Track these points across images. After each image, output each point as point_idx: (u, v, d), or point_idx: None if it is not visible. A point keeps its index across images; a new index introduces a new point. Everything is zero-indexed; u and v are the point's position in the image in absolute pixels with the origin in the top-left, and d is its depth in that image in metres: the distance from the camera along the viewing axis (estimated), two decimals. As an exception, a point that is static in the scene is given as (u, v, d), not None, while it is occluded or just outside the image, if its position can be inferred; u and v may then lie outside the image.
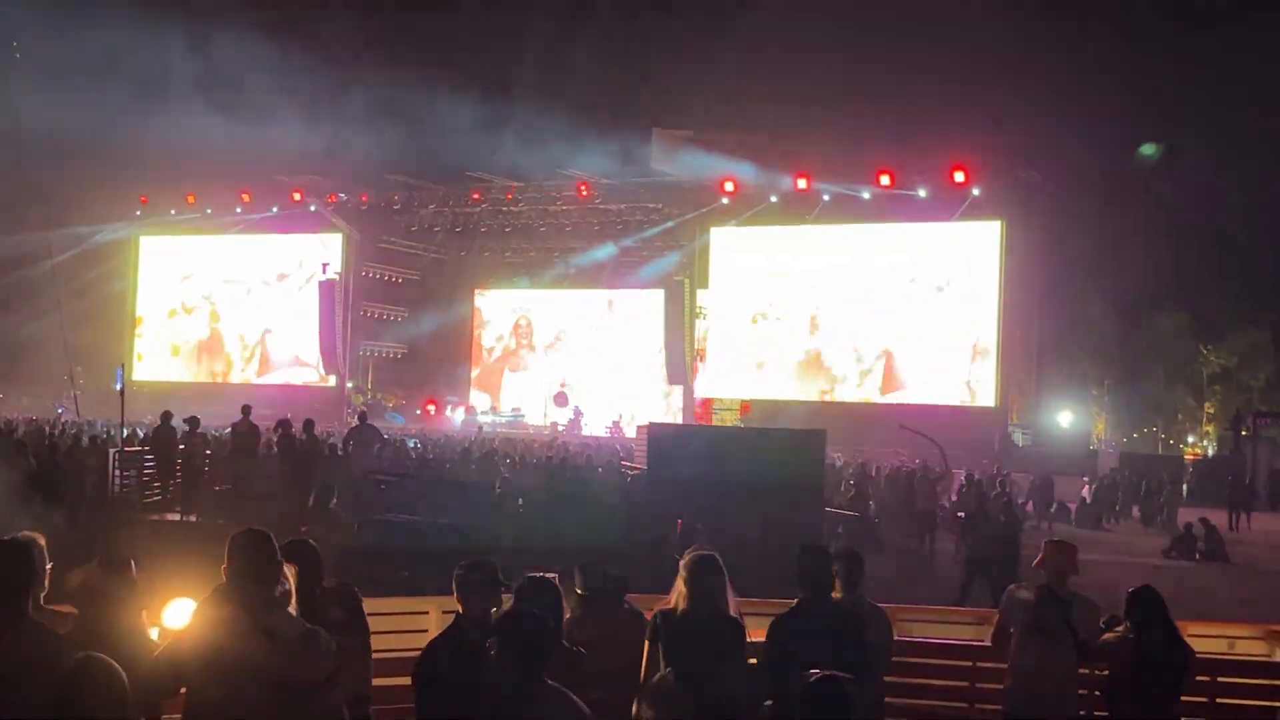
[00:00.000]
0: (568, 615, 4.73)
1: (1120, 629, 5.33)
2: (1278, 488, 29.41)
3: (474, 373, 42.77)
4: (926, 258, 33.28)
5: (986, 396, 32.68)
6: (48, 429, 23.72)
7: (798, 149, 33.13)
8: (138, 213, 42.74)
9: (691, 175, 34.92)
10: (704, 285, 36.78)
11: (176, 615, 4.22)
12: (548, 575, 4.78)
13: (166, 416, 17.22)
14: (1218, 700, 6.29)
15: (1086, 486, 26.57)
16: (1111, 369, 50.22)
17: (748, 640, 4.44)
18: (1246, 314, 48.69)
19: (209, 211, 41.68)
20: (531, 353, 42.09)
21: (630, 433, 31.03)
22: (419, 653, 4.41)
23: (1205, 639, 7.24)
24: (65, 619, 4.03)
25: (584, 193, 36.81)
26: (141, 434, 21.29)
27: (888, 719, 5.89)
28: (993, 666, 5.99)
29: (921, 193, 31.65)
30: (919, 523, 18.15)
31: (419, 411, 40.21)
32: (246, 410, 16.52)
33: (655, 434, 16.12)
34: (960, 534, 16.49)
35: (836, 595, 5.00)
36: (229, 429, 18.08)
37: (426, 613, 6.85)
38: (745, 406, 35.70)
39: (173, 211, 41.94)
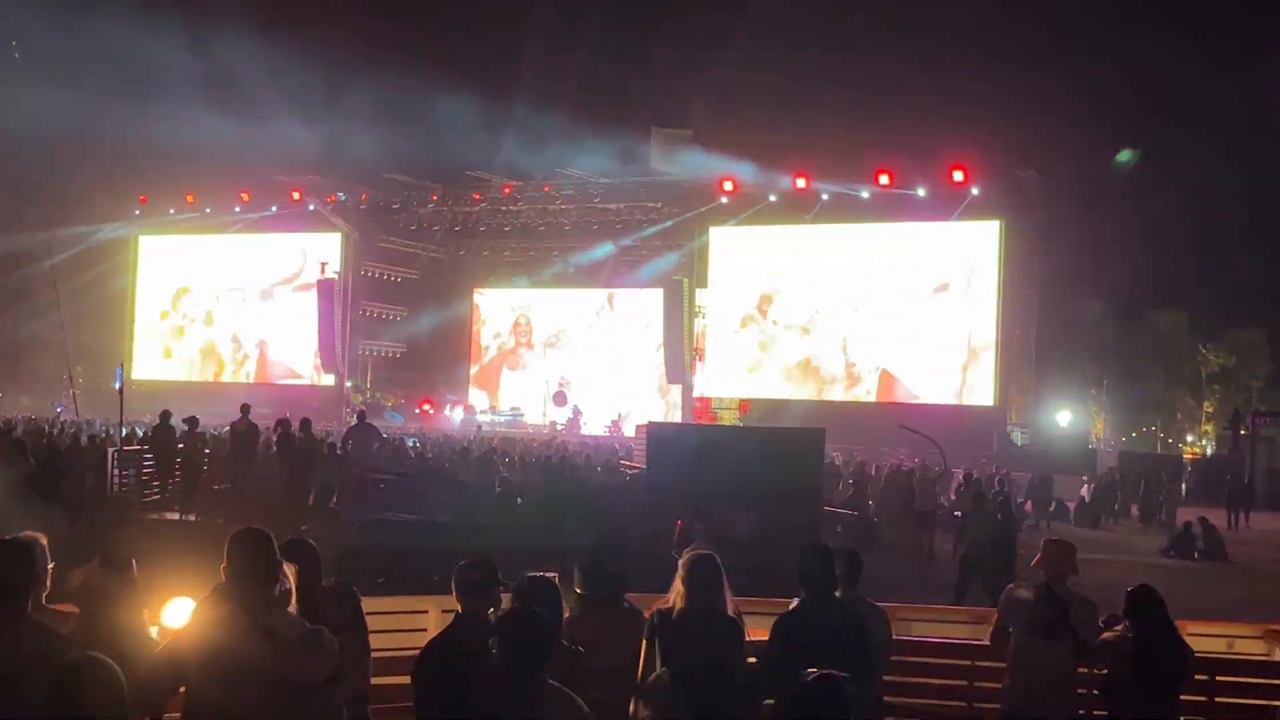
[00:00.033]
0: (567, 615, 4.74)
1: (1119, 628, 5.32)
2: (1276, 487, 29.34)
3: (473, 370, 42.75)
4: (925, 257, 33.28)
5: (985, 395, 32.71)
6: (47, 428, 23.67)
7: (797, 148, 33.25)
8: (137, 212, 42.70)
9: (690, 175, 34.96)
10: (703, 284, 36.80)
11: (176, 614, 4.22)
12: (547, 575, 4.78)
13: (165, 416, 17.21)
14: (1216, 699, 6.27)
15: (1085, 486, 26.57)
16: (1110, 368, 50.17)
17: (747, 639, 4.44)
18: (1245, 313, 48.77)
19: (208, 211, 41.67)
20: (530, 352, 42.04)
21: (629, 432, 31.05)
22: (418, 652, 4.41)
23: (1204, 638, 7.23)
24: (66, 618, 4.02)
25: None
26: (140, 433, 21.31)
27: (887, 718, 5.90)
28: (992, 666, 5.99)
29: (920, 192, 31.66)
30: (918, 522, 18.11)
31: (418, 410, 40.18)
32: (245, 409, 16.51)
33: (654, 433, 16.17)
34: (956, 534, 16.50)
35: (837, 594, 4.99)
36: (228, 428, 18.08)
37: (426, 612, 6.85)
38: (744, 405, 35.72)
39: (172, 211, 41.90)
